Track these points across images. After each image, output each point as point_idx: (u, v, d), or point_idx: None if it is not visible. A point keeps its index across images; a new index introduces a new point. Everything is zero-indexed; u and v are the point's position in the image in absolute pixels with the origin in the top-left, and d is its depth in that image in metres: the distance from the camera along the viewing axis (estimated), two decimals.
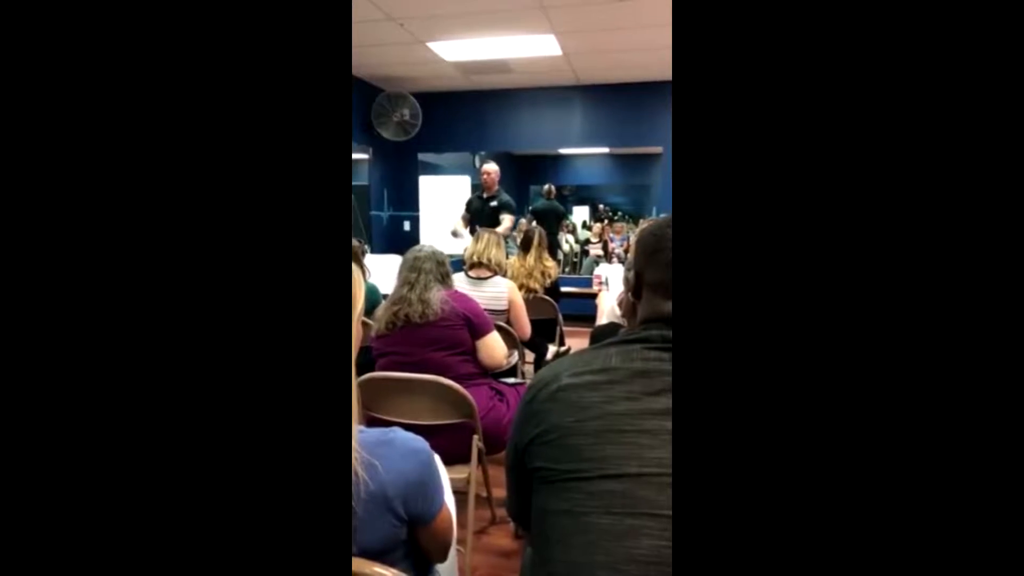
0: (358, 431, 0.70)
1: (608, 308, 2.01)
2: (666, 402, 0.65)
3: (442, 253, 1.76)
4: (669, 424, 0.64)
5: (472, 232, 4.11)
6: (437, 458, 0.93)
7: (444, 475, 0.99)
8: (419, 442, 0.76)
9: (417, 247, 1.77)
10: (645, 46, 3.87)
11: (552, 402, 0.70)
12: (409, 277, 1.68)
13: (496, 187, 4.15)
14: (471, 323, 1.67)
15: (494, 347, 1.72)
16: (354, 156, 5.04)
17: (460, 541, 1.43)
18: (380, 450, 0.70)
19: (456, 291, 1.75)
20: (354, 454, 0.67)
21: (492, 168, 4.13)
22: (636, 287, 0.78)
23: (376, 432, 0.74)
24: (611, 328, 1.55)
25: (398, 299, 1.67)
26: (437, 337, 1.64)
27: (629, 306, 0.83)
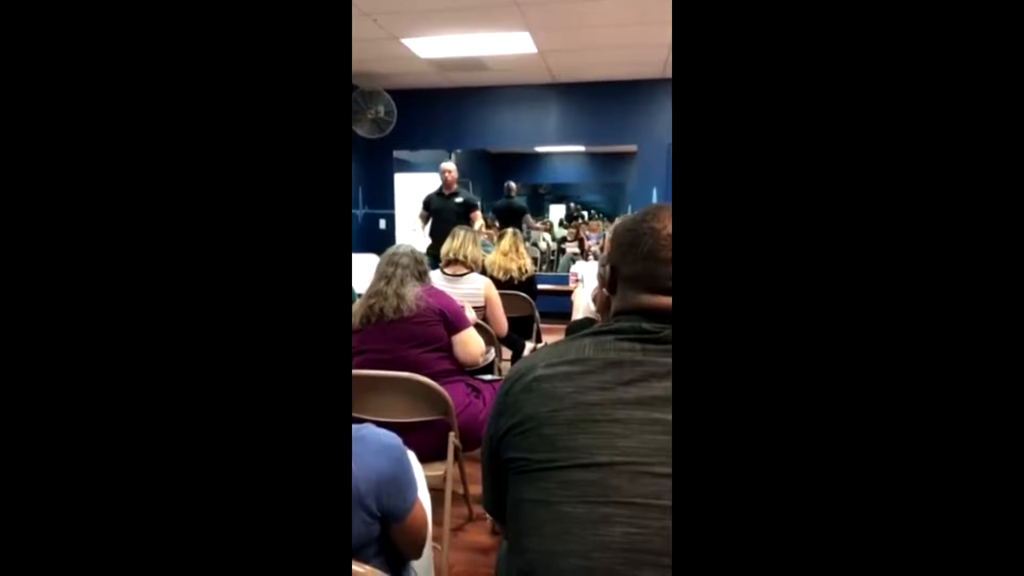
0: None
1: (583, 304, 2.02)
2: (637, 392, 0.65)
3: (421, 253, 1.77)
4: (640, 413, 0.64)
5: (433, 231, 4.17)
6: (412, 455, 0.93)
7: (419, 471, 0.99)
8: (391, 437, 0.76)
9: (396, 246, 1.79)
10: (619, 44, 3.90)
11: (527, 393, 0.70)
12: (386, 271, 1.67)
13: (456, 185, 4.26)
14: (447, 319, 1.67)
15: (470, 343, 1.72)
16: None
17: (436, 538, 1.43)
18: (352, 447, 0.69)
19: (432, 287, 1.74)
20: None
21: (452, 167, 4.26)
22: (611, 281, 0.78)
23: None
24: (586, 323, 1.56)
25: (374, 293, 1.66)
26: (413, 334, 1.62)
27: (603, 301, 0.83)
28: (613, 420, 0.64)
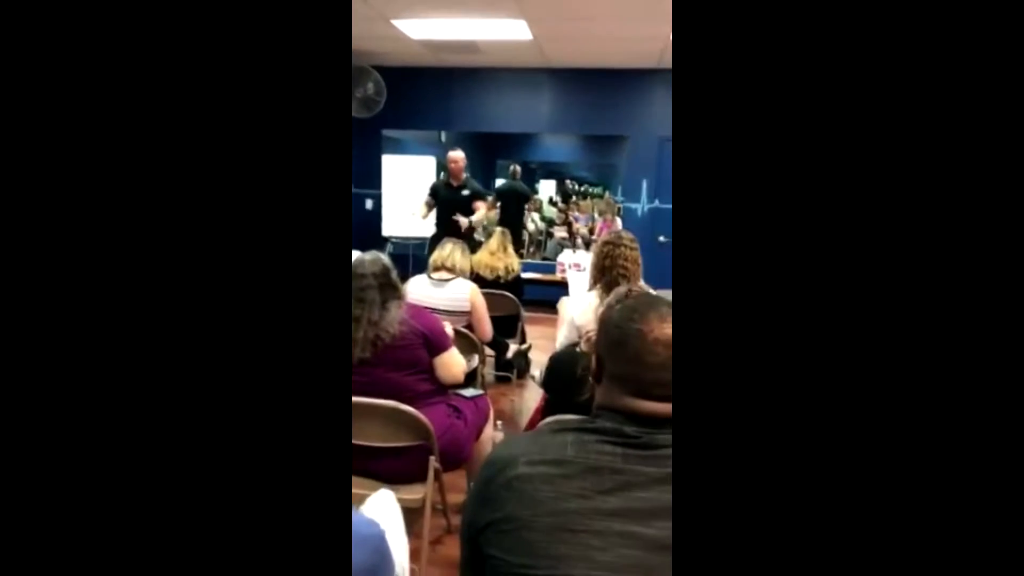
0: None
1: (568, 318, 2.01)
2: (616, 502, 0.65)
3: (384, 259, 1.65)
4: (618, 526, 0.64)
5: (439, 221, 4.06)
6: (397, 523, 0.93)
7: (402, 544, 0.99)
8: (371, 527, 0.76)
9: (356, 261, 1.63)
10: (615, 36, 3.82)
11: (507, 491, 0.70)
12: (356, 295, 1.58)
13: (464, 175, 4.08)
14: (428, 341, 1.65)
15: (452, 364, 1.71)
16: None
17: (414, 552, 1.44)
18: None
19: (413, 305, 1.71)
20: None
21: (460, 156, 4.04)
22: (597, 372, 0.78)
23: None
24: (569, 359, 1.54)
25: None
26: (394, 358, 1.61)
27: (596, 368, 0.82)
28: (591, 531, 0.65)
